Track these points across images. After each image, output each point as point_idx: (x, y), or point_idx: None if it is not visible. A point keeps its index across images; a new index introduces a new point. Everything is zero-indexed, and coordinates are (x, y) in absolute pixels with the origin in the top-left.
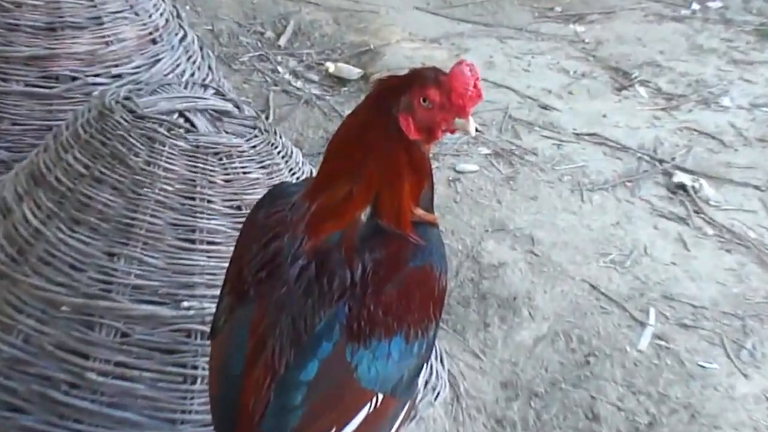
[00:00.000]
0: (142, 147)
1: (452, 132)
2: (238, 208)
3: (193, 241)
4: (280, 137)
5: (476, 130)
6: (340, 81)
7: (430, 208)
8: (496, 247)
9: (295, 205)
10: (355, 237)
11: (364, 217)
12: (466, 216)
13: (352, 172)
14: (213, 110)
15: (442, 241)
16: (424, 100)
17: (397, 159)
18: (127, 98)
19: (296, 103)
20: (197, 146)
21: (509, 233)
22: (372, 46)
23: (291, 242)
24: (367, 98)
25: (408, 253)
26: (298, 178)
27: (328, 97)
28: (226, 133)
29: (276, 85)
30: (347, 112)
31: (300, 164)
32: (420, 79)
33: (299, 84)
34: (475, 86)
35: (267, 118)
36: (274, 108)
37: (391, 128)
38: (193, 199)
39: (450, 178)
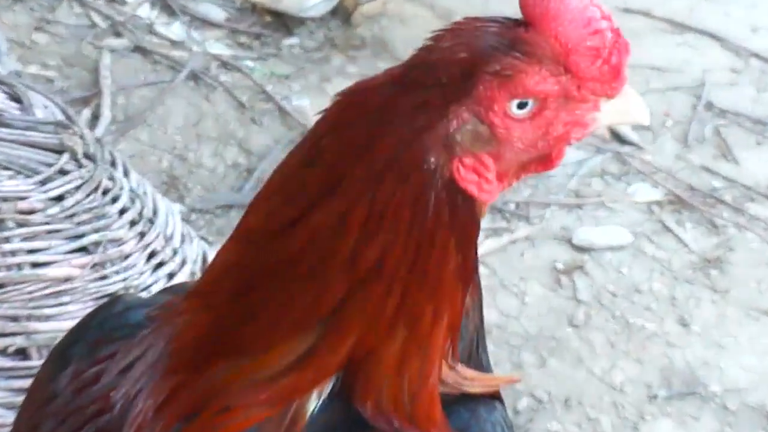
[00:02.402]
0: None
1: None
2: (20, 354)
3: None
4: (125, 172)
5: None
6: (280, 21)
7: (477, 358)
8: None
9: (149, 356)
10: None
11: (315, 401)
12: (600, 359)
13: (322, 309)
14: None
15: None
16: (522, 104)
17: (438, 264)
18: None
19: (168, 79)
20: None
21: (709, 401)
22: None
23: None
24: (345, 124)
25: None
26: (170, 277)
27: (249, 63)
28: None
29: (118, 34)
30: (298, 101)
31: (173, 238)
32: (483, 54)
33: (175, 31)
34: (608, 21)
35: (95, 121)
36: (114, 94)
37: (433, 198)
38: None
39: (557, 267)
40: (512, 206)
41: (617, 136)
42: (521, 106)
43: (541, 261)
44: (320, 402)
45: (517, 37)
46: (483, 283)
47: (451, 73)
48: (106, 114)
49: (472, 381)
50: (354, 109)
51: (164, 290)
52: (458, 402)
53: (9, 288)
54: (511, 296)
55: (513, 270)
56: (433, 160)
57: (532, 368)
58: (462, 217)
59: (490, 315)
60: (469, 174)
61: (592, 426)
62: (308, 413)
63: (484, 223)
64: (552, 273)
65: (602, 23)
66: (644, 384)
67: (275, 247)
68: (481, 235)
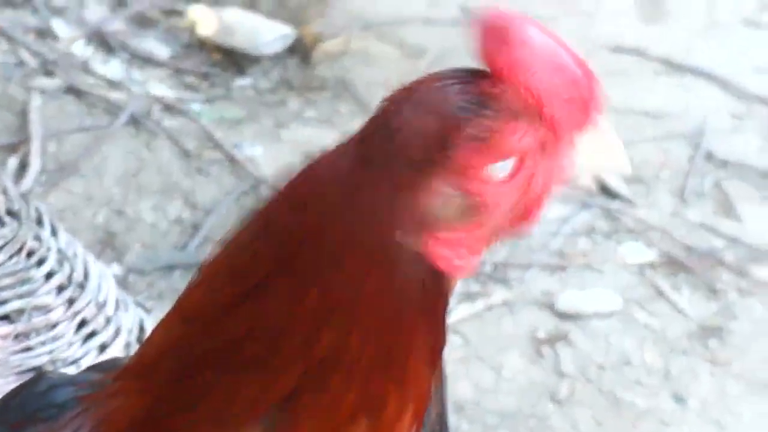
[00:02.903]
0: None
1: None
2: None
3: None
4: (53, 231)
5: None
6: (230, 59)
7: None
8: None
9: None
10: None
11: None
12: None
13: (271, 399)
14: None
15: None
16: (498, 164)
17: (405, 348)
18: None
19: (105, 124)
20: None
21: None
22: None
23: None
24: (300, 200)
25: None
26: (102, 349)
27: (195, 106)
28: None
29: (49, 73)
30: (250, 149)
31: (106, 305)
32: (453, 117)
33: (113, 70)
34: (578, 63)
35: (22, 171)
36: (44, 140)
37: (400, 277)
38: None
39: (538, 336)
40: (488, 268)
41: (606, 190)
42: (498, 167)
43: (520, 329)
44: None
45: (485, 92)
46: (455, 354)
47: (418, 140)
48: (34, 163)
49: None
50: (310, 184)
51: (94, 366)
52: None
53: None
54: (486, 369)
55: (489, 339)
56: (399, 235)
57: None
58: (431, 296)
59: (463, 389)
60: (440, 248)
61: None
62: None
63: (456, 286)
64: (532, 342)
65: (573, 67)
66: None
67: (219, 328)
68: (453, 300)
